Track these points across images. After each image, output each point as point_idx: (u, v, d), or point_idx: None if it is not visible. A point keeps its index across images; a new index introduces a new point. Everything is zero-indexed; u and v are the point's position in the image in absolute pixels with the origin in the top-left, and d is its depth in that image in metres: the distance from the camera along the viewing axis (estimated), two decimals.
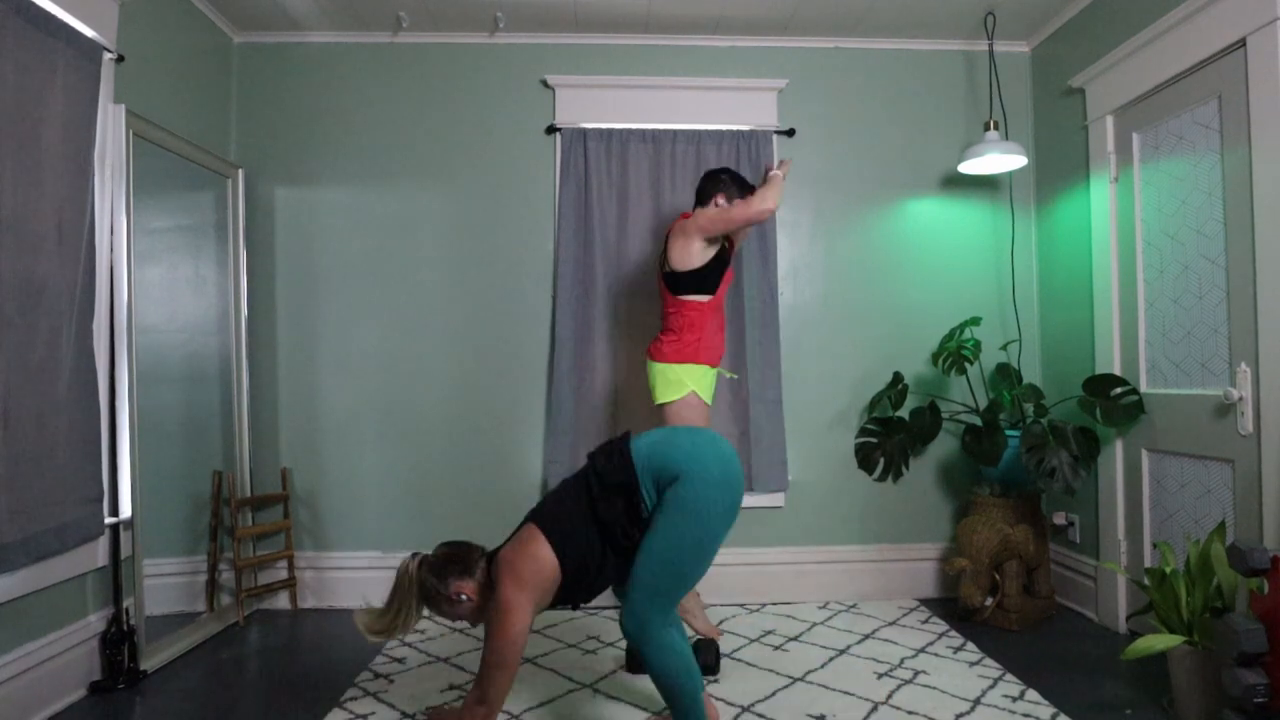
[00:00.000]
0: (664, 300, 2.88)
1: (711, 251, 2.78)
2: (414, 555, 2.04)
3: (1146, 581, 2.33)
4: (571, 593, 2.00)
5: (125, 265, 2.62)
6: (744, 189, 2.86)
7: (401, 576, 2.01)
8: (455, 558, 2.02)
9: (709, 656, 2.55)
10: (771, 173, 2.85)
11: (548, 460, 3.40)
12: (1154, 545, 2.84)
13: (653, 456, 1.95)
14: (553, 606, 2.04)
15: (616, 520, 1.94)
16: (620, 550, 1.96)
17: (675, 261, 2.78)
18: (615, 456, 1.98)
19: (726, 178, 2.85)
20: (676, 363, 2.78)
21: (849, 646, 2.86)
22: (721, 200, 2.82)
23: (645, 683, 2.52)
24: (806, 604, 3.40)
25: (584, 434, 3.40)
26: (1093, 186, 3.15)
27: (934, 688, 2.46)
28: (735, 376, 3.38)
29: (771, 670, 2.63)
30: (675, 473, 1.90)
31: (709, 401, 2.84)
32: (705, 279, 2.78)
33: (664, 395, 2.79)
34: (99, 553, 2.52)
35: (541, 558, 1.93)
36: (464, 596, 1.98)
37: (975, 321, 3.28)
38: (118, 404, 2.60)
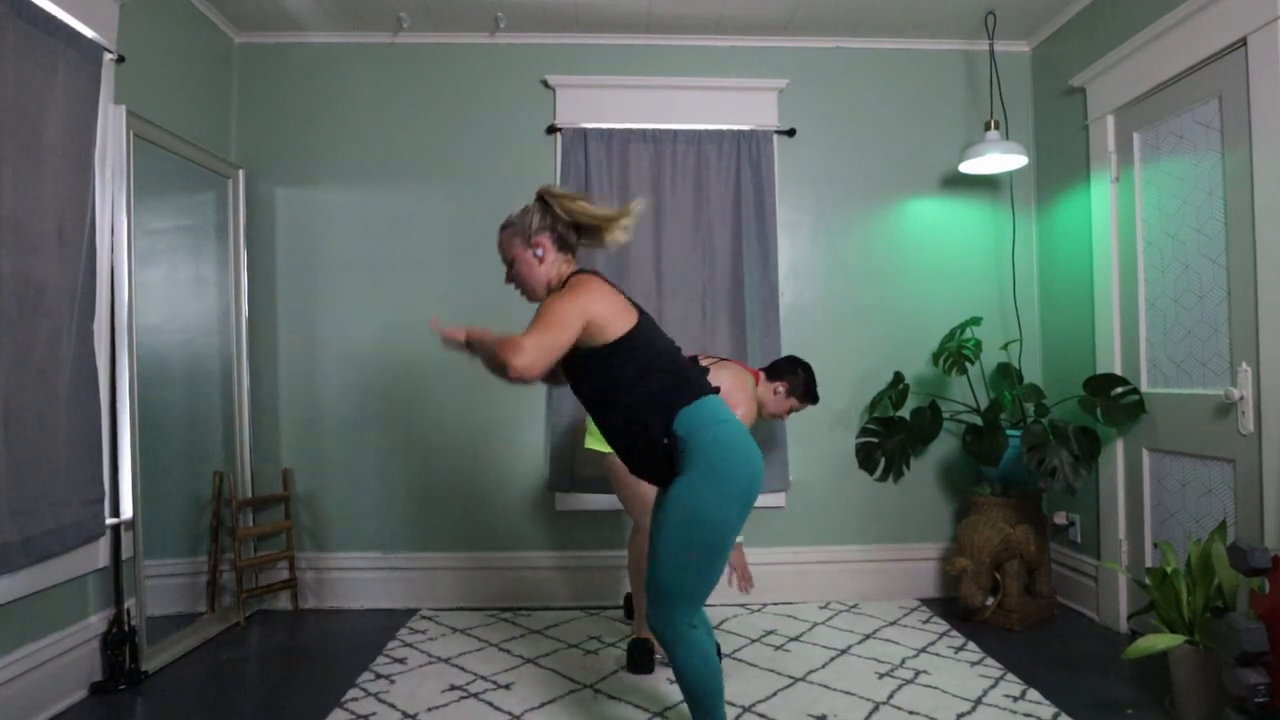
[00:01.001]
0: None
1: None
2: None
3: (1147, 581, 2.33)
4: (582, 361, 1.83)
5: (126, 266, 2.61)
6: (807, 397, 2.87)
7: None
8: (568, 224, 1.91)
9: None
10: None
11: (549, 460, 3.40)
12: (1155, 545, 2.84)
13: (700, 423, 1.81)
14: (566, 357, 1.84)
15: (657, 404, 1.82)
16: (637, 409, 1.83)
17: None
18: (679, 394, 1.83)
19: (802, 376, 2.85)
20: None
21: (850, 646, 2.86)
22: (782, 389, 2.84)
23: (646, 683, 2.52)
24: (807, 604, 3.40)
25: (584, 434, 3.39)
26: (1093, 186, 3.14)
27: (935, 688, 2.46)
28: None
29: (773, 670, 2.63)
30: (696, 460, 1.77)
31: None
32: None
33: (598, 444, 2.73)
34: (100, 553, 2.52)
35: (622, 309, 1.83)
36: (539, 252, 1.90)
37: (976, 321, 3.28)
38: (118, 404, 2.60)
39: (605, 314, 1.80)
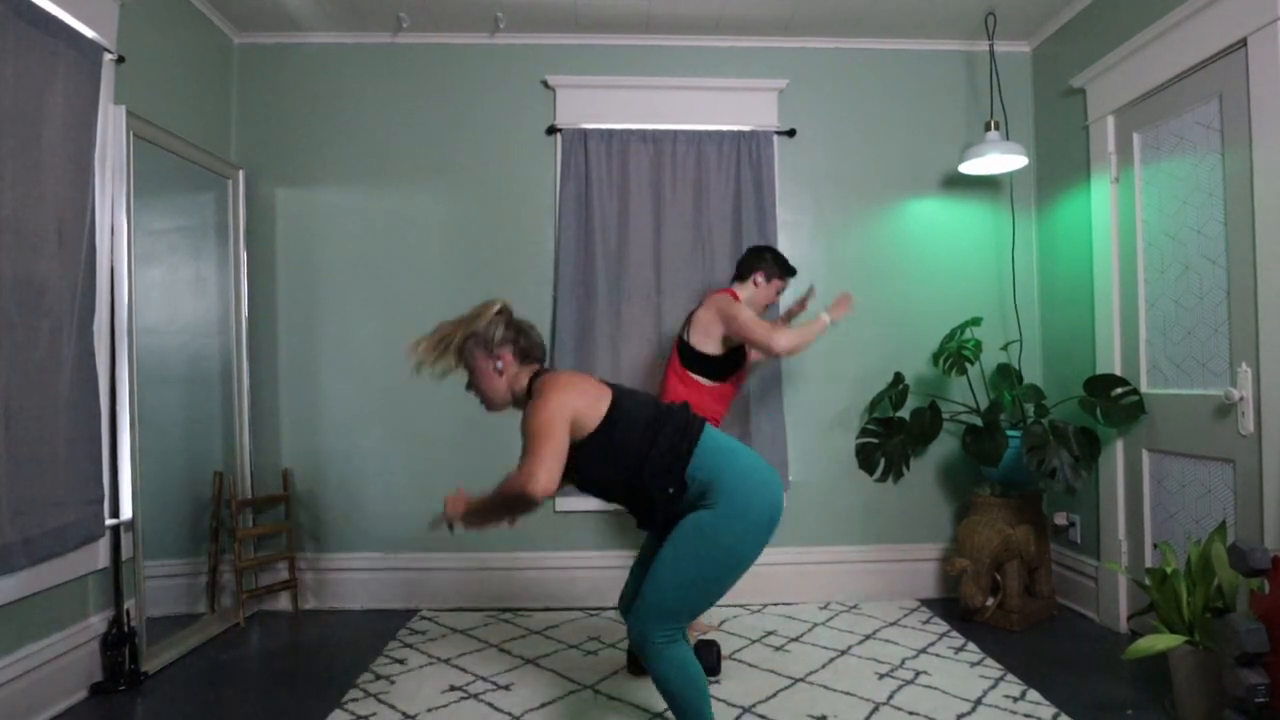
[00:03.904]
0: (670, 359, 2.89)
1: (730, 344, 2.79)
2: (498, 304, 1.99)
3: (1147, 582, 2.33)
4: (577, 454, 1.86)
5: (126, 266, 2.61)
6: (785, 272, 2.90)
7: (480, 311, 1.95)
8: (526, 334, 1.96)
9: (710, 657, 2.55)
10: (822, 315, 2.81)
11: None
12: (1155, 545, 2.84)
13: (715, 462, 1.84)
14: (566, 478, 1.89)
15: (660, 465, 1.84)
16: (648, 476, 1.85)
17: (695, 336, 2.79)
18: (683, 440, 1.86)
19: (770, 257, 2.88)
20: None
21: (850, 647, 2.86)
22: (760, 279, 2.87)
23: (646, 684, 2.52)
24: (807, 604, 3.40)
25: None
26: (1093, 186, 3.14)
27: (935, 688, 2.46)
28: None
29: (772, 671, 2.63)
30: (722, 498, 1.80)
31: None
32: (713, 367, 2.79)
33: None
34: (100, 554, 2.52)
35: (597, 397, 1.85)
36: (500, 365, 1.92)
37: (976, 322, 3.28)
38: (118, 405, 2.60)
39: (581, 406, 1.83)
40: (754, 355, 3.04)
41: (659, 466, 1.83)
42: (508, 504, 1.81)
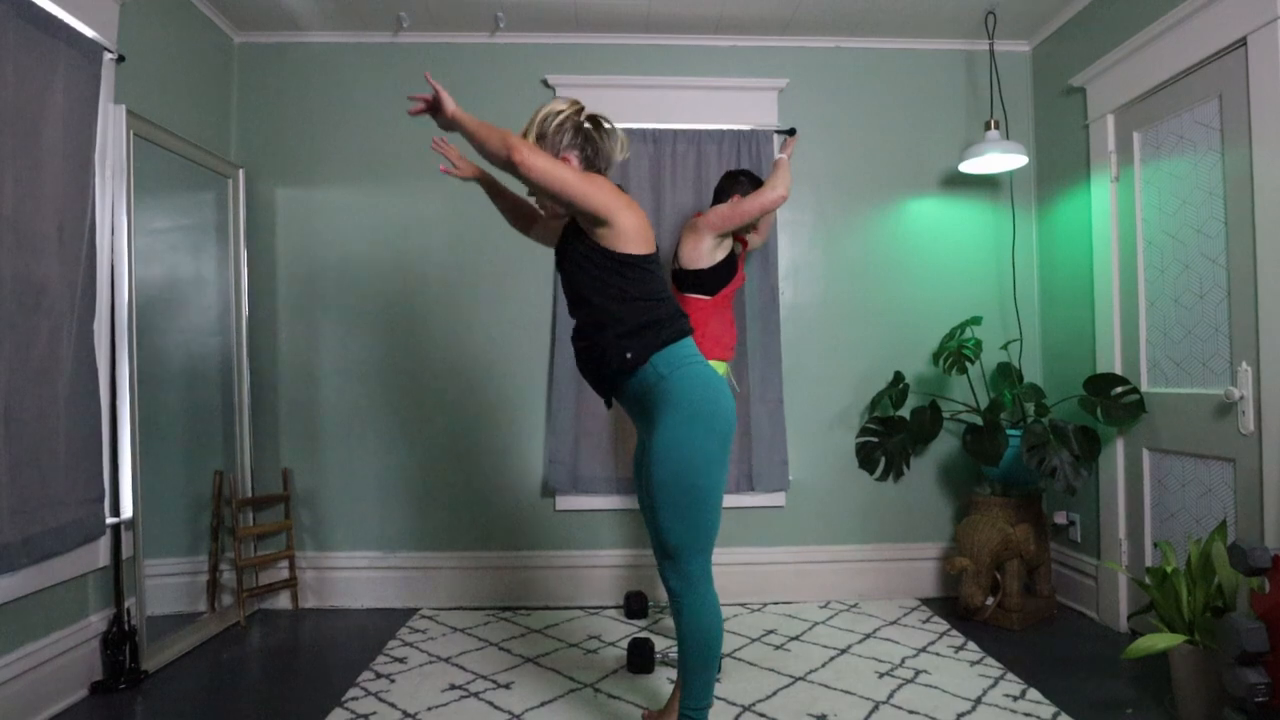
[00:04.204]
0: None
1: (721, 253, 2.77)
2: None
3: (1147, 581, 2.33)
4: (584, 251, 1.89)
5: (126, 265, 2.62)
6: (760, 186, 2.85)
7: (548, 112, 1.91)
8: (595, 143, 1.94)
9: None
10: (777, 157, 2.84)
11: (548, 460, 3.40)
12: (1155, 544, 2.84)
13: (675, 362, 1.84)
14: (570, 236, 1.94)
15: (637, 332, 1.86)
16: (621, 331, 1.86)
17: (684, 258, 2.78)
18: (668, 329, 1.87)
19: (745, 179, 2.86)
20: None
21: (850, 646, 2.86)
22: (739, 199, 2.82)
23: (647, 682, 2.52)
24: (807, 603, 3.40)
25: (584, 434, 3.40)
26: (1093, 186, 3.14)
27: (935, 687, 2.46)
28: (737, 389, 3.36)
29: (772, 670, 2.63)
30: (671, 397, 1.80)
31: None
32: (709, 280, 2.78)
33: None
34: (100, 553, 2.52)
35: (642, 235, 1.87)
36: (571, 161, 1.91)
37: (976, 321, 3.28)
38: (118, 404, 2.60)
39: (629, 225, 1.83)
40: (756, 239, 3.06)
41: (633, 330, 1.85)
42: (487, 136, 1.78)
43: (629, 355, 1.85)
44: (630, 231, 1.85)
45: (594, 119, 1.98)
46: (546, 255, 3.49)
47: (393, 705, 2.37)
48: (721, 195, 2.87)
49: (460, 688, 2.50)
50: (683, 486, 1.79)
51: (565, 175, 1.79)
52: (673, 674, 2.58)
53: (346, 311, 3.46)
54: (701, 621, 1.84)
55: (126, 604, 2.59)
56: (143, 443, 2.67)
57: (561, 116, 1.92)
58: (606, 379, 1.92)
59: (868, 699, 2.38)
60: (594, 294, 1.90)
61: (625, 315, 1.87)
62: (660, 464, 1.80)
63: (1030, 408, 3.22)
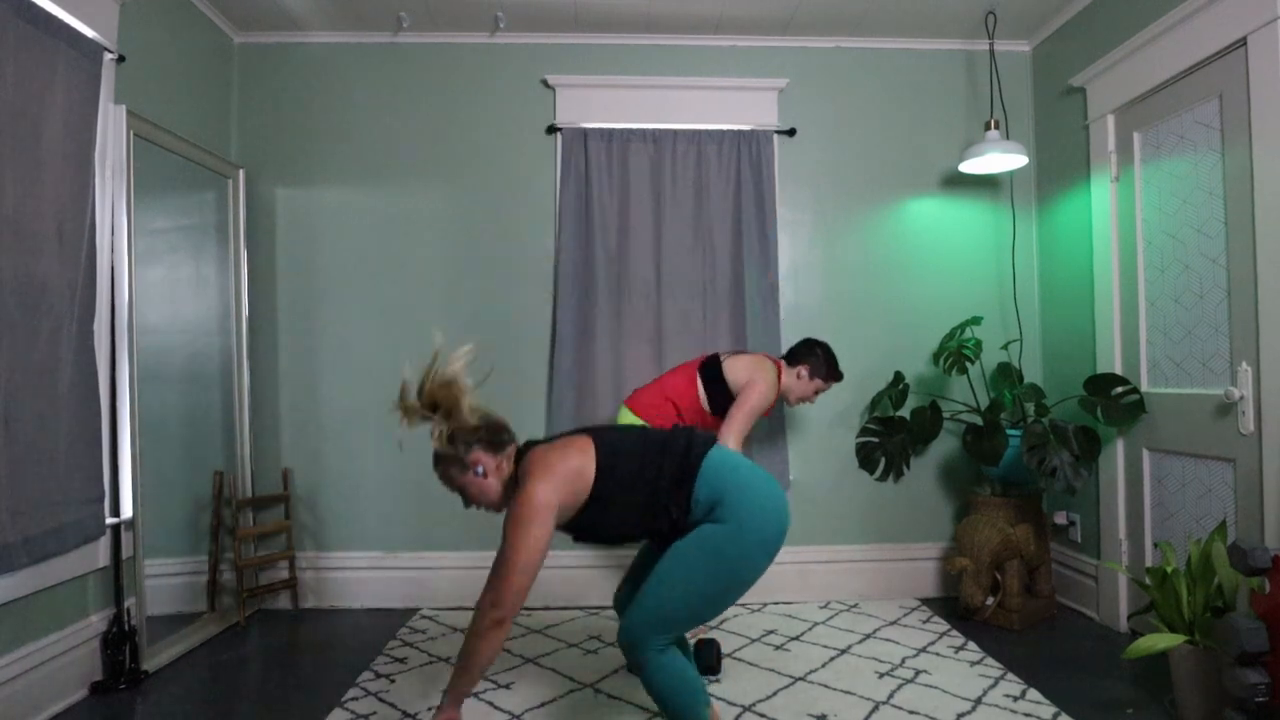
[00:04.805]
0: (690, 363, 2.88)
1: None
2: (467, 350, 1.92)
3: (1148, 581, 2.33)
4: (587, 523, 1.87)
5: (126, 265, 2.62)
6: (830, 375, 2.89)
7: (441, 375, 1.88)
8: (487, 428, 1.88)
9: (710, 657, 2.55)
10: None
11: None
12: (1155, 544, 2.84)
13: (721, 481, 1.83)
14: (566, 529, 1.91)
15: (667, 494, 1.83)
16: (653, 515, 1.85)
17: (729, 370, 2.78)
18: (687, 456, 1.86)
19: (821, 355, 2.87)
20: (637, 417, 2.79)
21: (850, 646, 2.86)
22: (804, 372, 2.86)
23: None
24: (808, 604, 3.40)
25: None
26: (1094, 186, 3.14)
27: (935, 687, 2.46)
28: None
29: (773, 670, 2.63)
30: (730, 515, 1.80)
31: None
32: (722, 400, 2.80)
33: None
34: (100, 553, 2.52)
35: (581, 466, 1.82)
36: (480, 470, 1.85)
37: (976, 321, 3.28)
38: (119, 404, 2.60)
39: (565, 488, 1.79)
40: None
41: (664, 495, 1.83)
42: (479, 651, 1.75)
43: (674, 514, 1.84)
44: (571, 489, 1.81)
45: (455, 430, 1.89)
46: (547, 254, 3.49)
47: (393, 705, 2.37)
48: (794, 356, 2.89)
49: None
50: (711, 580, 1.79)
51: (519, 549, 1.73)
52: None
53: (346, 311, 3.46)
54: (657, 687, 1.80)
55: (126, 604, 2.59)
56: (143, 443, 2.67)
57: (463, 429, 1.88)
58: (675, 534, 1.89)
59: (868, 699, 2.38)
60: (615, 520, 1.88)
61: (649, 502, 1.84)
62: (702, 550, 1.79)
63: (1030, 408, 3.22)
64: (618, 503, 1.85)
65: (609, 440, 1.90)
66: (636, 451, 1.87)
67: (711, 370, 2.82)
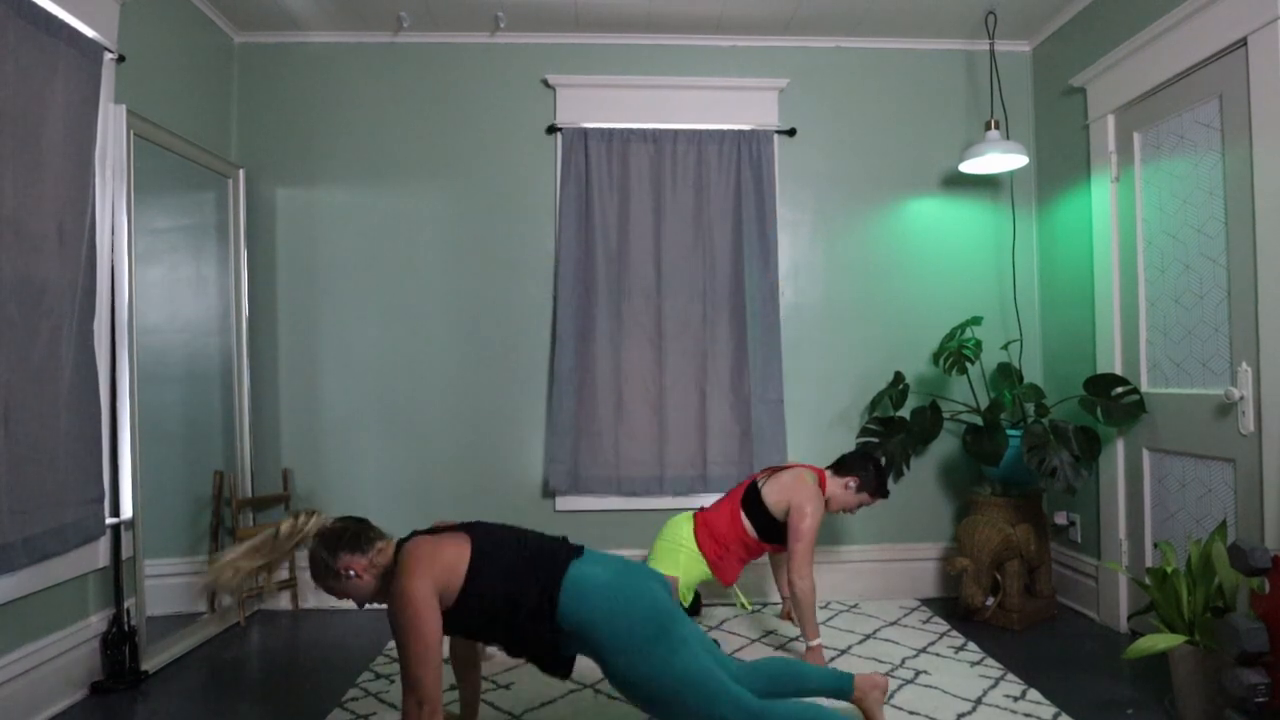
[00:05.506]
0: (733, 492, 2.84)
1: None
2: (311, 513, 1.90)
3: (1148, 581, 2.33)
4: (458, 621, 1.86)
5: (126, 265, 2.61)
6: (877, 492, 2.83)
7: (290, 532, 1.86)
8: (348, 532, 1.88)
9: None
10: (813, 639, 2.65)
11: (548, 460, 3.40)
12: (1155, 545, 2.84)
13: (576, 610, 1.81)
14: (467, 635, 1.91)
15: (529, 620, 1.82)
16: (524, 620, 1.83)
17: (770, 494, 2.72)
18: (546, 586, 1.82)
19: (873, 471, 2.82)
20: (704, 556, 2.74)
21: (850, 646, 2.86)
22: (853, 484, 2.80)
23: None
24: None
25: (584, 434, 3.40)
26: (1094, 186, 3.14)
27: (935, 687, 2.46)
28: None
29: None
30: (602, 642, 1.78)
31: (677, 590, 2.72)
32: (767, 527, 2.75)
33: (663, 564, 2.73)
34: (100, 553, 2.52)
35: (453, 561, 1.82)
36: (352, 573, 1.85)
37: (976, 321, 3.28)
38: (119, 404, 2.60)
39: (439, 581, 1.79)
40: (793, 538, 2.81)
41: (532, 612, 1.82)
42: None
43: (547, 635, 1.83)
44: (443, 582, 1.80)
45: (315, 549, 1.88)
46: (547, 254, 3.49)
47: (393, 706, 2.37)
48: (844, 467, 2.83)
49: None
50: (667, 691, 1.77)
51: (413, 640, 1.74)
52: None
53: (346, 312, 3.46)
54: None
55: (126, 604, 2.59)
56: (143, 443, 2.67)
57: (310, 553, 1.87)
58: (568, 656, 1.89)
59: None
60: (483, 624, 1.86)
61: (514, 612, 1.82)
62: (640, 691, 1.79)
63: (1030, 408, 3.22)
64: (483, 610, 1.84)
65: (485, 534, 1.90)
66: (504, 563, 1.86)
67: (753, 504, 2.75)
